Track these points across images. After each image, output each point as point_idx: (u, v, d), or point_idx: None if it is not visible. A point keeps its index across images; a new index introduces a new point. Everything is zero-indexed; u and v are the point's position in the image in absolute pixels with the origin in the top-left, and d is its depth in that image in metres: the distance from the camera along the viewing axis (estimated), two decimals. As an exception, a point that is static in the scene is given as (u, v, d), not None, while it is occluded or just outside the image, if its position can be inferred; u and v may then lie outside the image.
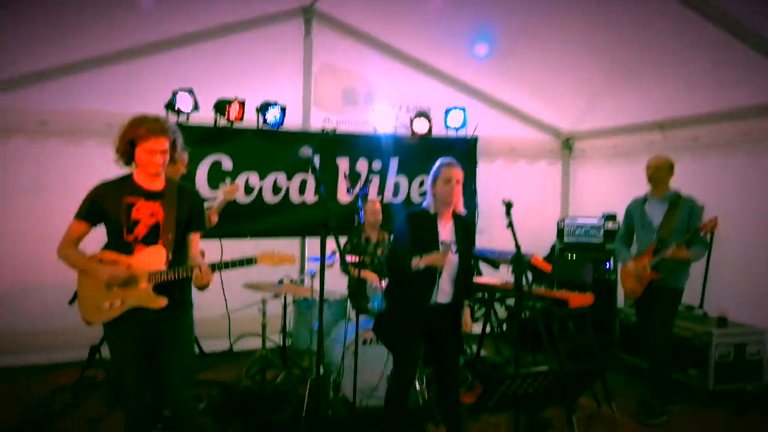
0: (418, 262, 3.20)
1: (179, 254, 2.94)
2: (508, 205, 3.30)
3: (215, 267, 2.94)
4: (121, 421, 3.91)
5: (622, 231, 4.69)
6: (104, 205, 2.85)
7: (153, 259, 2.86)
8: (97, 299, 2.84)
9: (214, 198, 4.93)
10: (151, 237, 2.87)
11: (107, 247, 2.90)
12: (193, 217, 3.00)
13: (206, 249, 3.80)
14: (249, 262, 2.98)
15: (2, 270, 5.05)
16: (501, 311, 5.64)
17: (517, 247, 3.19)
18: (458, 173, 3.41)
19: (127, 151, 2.85)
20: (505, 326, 6.01)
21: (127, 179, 2.92)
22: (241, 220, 5.30)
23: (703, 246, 4.29)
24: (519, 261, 3.12)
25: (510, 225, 3.22)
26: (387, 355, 3.90)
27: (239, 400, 4.32)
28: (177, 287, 2.92)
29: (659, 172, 4.37)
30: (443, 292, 3.31)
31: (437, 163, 3.48)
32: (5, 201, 5.07)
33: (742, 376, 4.62)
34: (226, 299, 5.15)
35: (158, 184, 2.93)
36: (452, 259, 3.32)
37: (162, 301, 2.86)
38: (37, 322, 5.08)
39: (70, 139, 5.26)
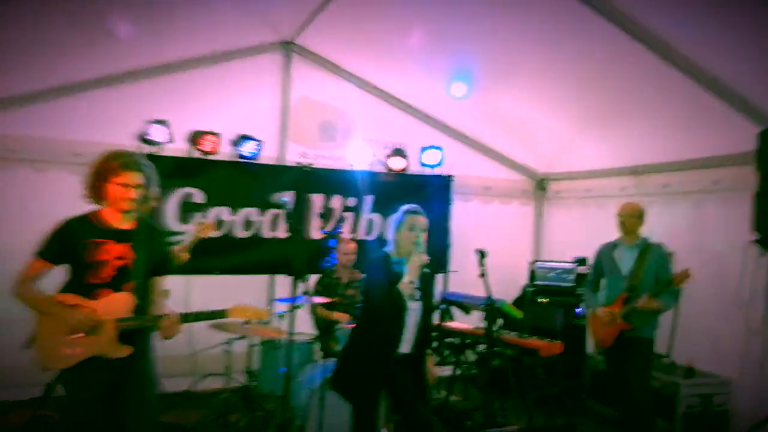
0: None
1: (145, 300, 2.85)
2: (482, 254, 3.27)
3: (185, 318, 2.84)
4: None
5: (591, 277, 4.68)
6: (69, 244, 2.73)
7: (118, 305, 2.75)
8: (57, 346, 2.72)
9: (183, 233, 4.87)
10: (118, 280, 2.76)
11: (67, 289, 2.78)
12: (163, 260, 2.93)
13: (172, 286, 3.70)
14: (220, 314, 2.90)
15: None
16: (471, 355, 5.59)
17: (489, 297, 3.16)
18: (423, 221, 3.35)
19: (97, 186, 2.76)
20: (473, 370, 5.96)
21: (95, 216, 2.81)
22: (210, 254, 5.15)
23: (674, 296, 4.29)
24: (491, 312, 3.09)
25: (482, 275, 3.18)
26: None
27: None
28: (141, 334, 2.83)
29: (630, 219, 4.39)
30: (405, 341, 3.25)
31: (401, 210, 3.43)
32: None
33: (709, 427, 4.62)
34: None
35: (128, 223, 2.84)
36: (415, 307, 3.28)
37: (126, 350, 2.76)
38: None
39: (35, 167, 5.12)
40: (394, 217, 3.44)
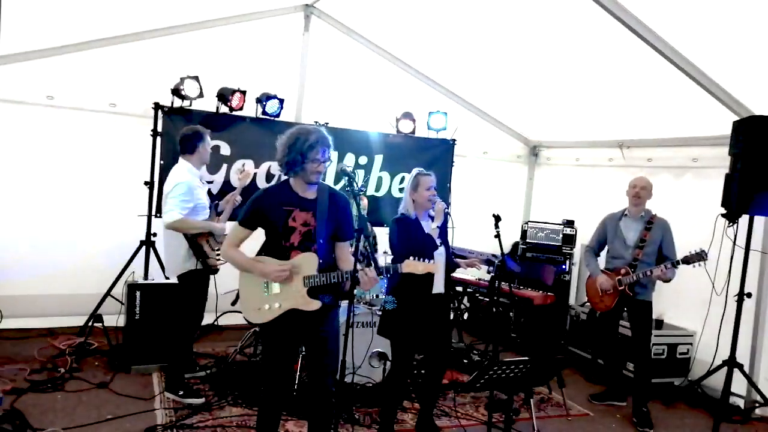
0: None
1: (328, 260, 3.16)
2: (497, 218, 3.80)
3: (380, 272, 3.17)
4: (125, 383, 4.38)
5: (594, 242, 5.04)
6: (264, 213, 3.09)
7: (306, 264, 3.07)
8: (256, 301, 3.11)
9: (212, 182, 5.38)
10: (304, 244, 3.09)
11: (264, 251, 3.16)
12: (340, 225, 3.19)
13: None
14: (395, 269, 3.25)
15: (4, 234, 5.29)
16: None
17: (503, 255, 3.71)
18: (434, 180, 3.94)
19: (293, 160, 3.05)
20: (466, 316, 6.62)
21: (285, 187, 3.16)
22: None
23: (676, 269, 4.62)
24: (502, 268, 3.64)
25: (497, 236, 3.73)
26: (371, 337, 4.42)
27: (233, 372, 4.73)
28: (328, 291, 3.15)
29: (643, 192, 4.74)
30: (437, 283, 3.82)
31: (415, 173, 3.96)
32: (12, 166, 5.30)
33: (672, 371, 5.34)
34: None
35: (311, 193, 3.15)
36: (441, 252, 3.84)
37: (315, 304, 3.08)
38: (38, 285, 5.37)
39: (73, 113, 5.48)
40: (409, 180, 3.97)
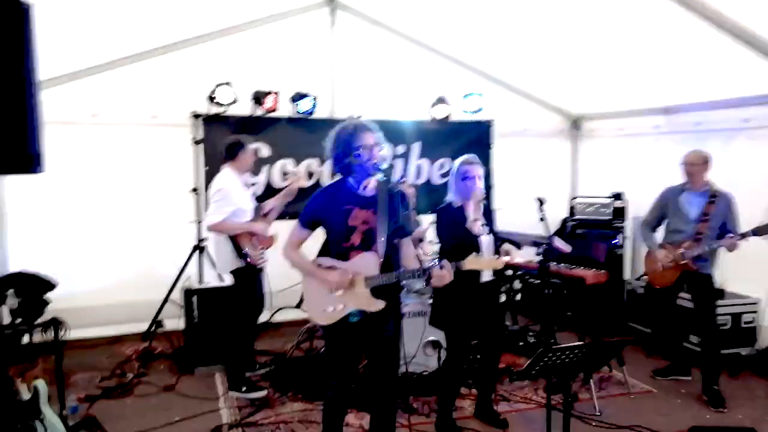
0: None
1: (390, 259, 3.09)
2: (541, 201, 3.74)
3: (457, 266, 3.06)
4: (189, 387, 4.50)
5: (652, 216, 4.88)
6: (323, 213, 3.06)
7: (367, 264, 3.02)
8: (321, 303, 3.09)
9: (254, 184, 5.50)
10: (365, 243, 3.03)
11: (324, 251, 3.16)
12: (401, 221, 3.09)
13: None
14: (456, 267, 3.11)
15: (65, 249, 5.51)
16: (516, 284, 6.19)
17: (549, 238, 3.65)
18: (479, 169, 3.82)
19: (341, 157, 3.02)
20: (519, 297, 6.56)
21: (343, 185, 3.10)
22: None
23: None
24: (549, 252, 3.59)
25: (542, 219, 3.67)
26: (424, 326, 4.44)
27: (292, 368, 4.81)
28: (391, 290, 3.10)
29: (694, 168, 4.58)
30: (486, 271, 3.79)
31: (458, 161, 3.89)
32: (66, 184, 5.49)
33: (738, 341, 5.17)
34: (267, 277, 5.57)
35: (370, 190, 3.08)
36: (487, 240, 3.80)
37: (380, 304, 3.03)
38: (99, 296, 5.61)
39: (118, 129, 5.65)
40: (453, 169, 3.91)
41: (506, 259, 3.18)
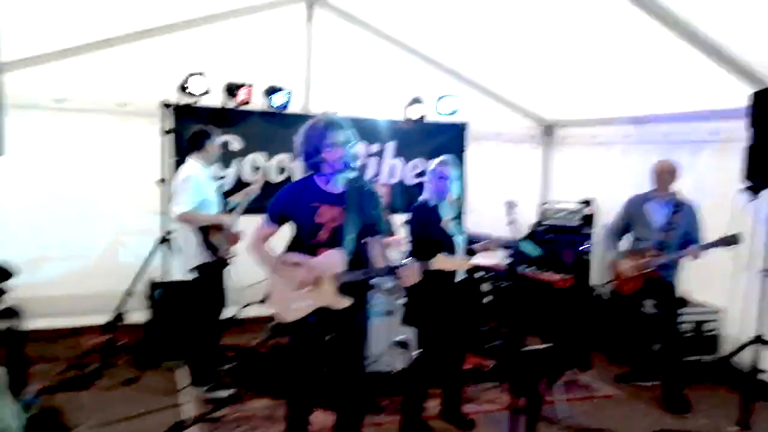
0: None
1: (359, 256, 3.06)
2: (510, 205, 3.74)
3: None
4: (151, 381, 4.41)
5: (617, 225, 4.95)
6: (290, 210, 3.04)
7: (334, 261, 2.99)
8: (288, 300, 3.06)
9: (223, 177, 5.42)
10: (332, 240, 2.99)
11: (291, 247, 3.10)
12: (370, 219, 3.08)
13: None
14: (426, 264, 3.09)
15: (25, 238, 5.34)
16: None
17: (518, 239, 3.66)
18: (454, 171, 3.87)
19: (309, 154, 2.99)
20: (487, 300, 6.57)
21: (311, 182, 3.07)
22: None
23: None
24: (518, 255, 3.60)
25: (511, 222, 3.67)
26: (391, 326, 4.41)
27: (257, 364, 4.73)
28: (358, 288, 3.09)
29: (664, 176, 4.65)
30: (459, 271, 3.79)
31: (435, 162, 3.91)
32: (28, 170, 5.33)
33: (700, 349, 5.25)
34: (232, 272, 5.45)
35: (338, 187, 3.06)
36: (460, 240, 3.80)
37: (346, 301, 3.03)
38: (61, 286, 5.47)
39: (84, 116, 5.49)
40: (429, 169, 3.92)
41: (473, 260, 3.17)
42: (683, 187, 4.89)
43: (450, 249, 3.54)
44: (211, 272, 4.36)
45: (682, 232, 4.58)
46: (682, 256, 4.51)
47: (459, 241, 3.79)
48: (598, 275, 6.56)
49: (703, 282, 5.37)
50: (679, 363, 4.63)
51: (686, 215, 4.60)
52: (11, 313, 3.44)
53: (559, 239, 6.35)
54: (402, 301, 4.36)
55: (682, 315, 5.08)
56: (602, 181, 6.63)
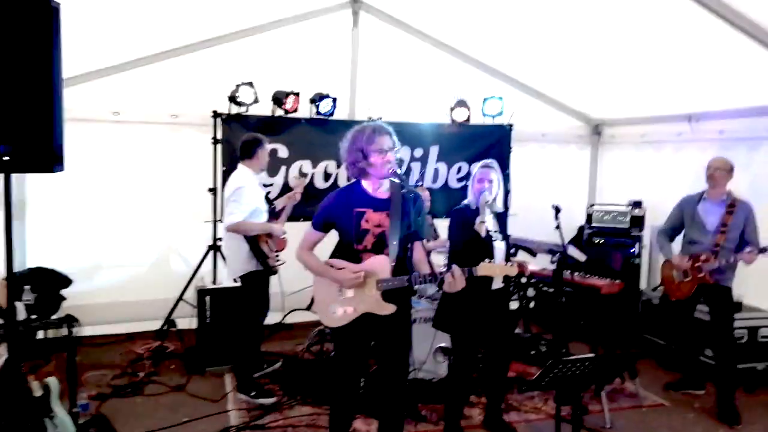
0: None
1: (403, 262, 3.09)
2: (557, 209, 3.70)
3: (470, 272, 3.07)
4: (199, 385, 4.59)
5: (669, 225, 4.79)
6: (336, 216, 3.08)
7: (379, 267, 3.03)
8: (332, 306, 3.10)
9: (271, 185, 5.53)
10: (378, 246, 3.04)
11: (336, 253, 3.15)
12: (414, 224, 3.12)
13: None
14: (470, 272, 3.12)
15: (81, 247, 5.58)
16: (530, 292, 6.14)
17: (564, 247, 3.62)
18: (494, 174, 3.80)
19: (356, 160, 3.04)
20: (533, 304, 6.50)
21: (357, 188, 3.12)
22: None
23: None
24: (564, 261, 3.55)
25: (557, 227, 3.63)
26: (435, 332, 4.42)
27: (302, 371, 4.83)
28: (402, 293, 3.10)
29: (718, 173, 4.45)
30: (496, 279, 3.76)
31: (477, 165, 3.89)
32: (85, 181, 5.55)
33: (755, 356, 5.06)
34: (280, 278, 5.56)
35: (384, 192, 3.11)
36: (499, 246, 3.76)
37: (390, 308, 3.04)
38: (115, 293, 5.68)
39: (140, 127, 5.71)
40: (473, 173, 3.90)
41: (517, 266, 3.14)
42: (739, 187, 4.72)
43: (488, 254, 3.52)
44: (258, 280, 4.46)
45: (736, 234, 4.41)
46: (736, 260, 4.35)
47: (498, 246, 3.76)
48: (648, 280, 6.42)
49: (759, 286, 5.18)
50: (733, 370, 4.48)
51: (740, 216, 4.41)
52: (69, 320, 3.62)
53: (608, 242, 6.23)
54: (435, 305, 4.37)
55: (736, 321, 4.91)
56: (653, 182, 6.46)
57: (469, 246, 3.63)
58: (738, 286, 5.05)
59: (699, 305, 4.75)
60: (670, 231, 4.80)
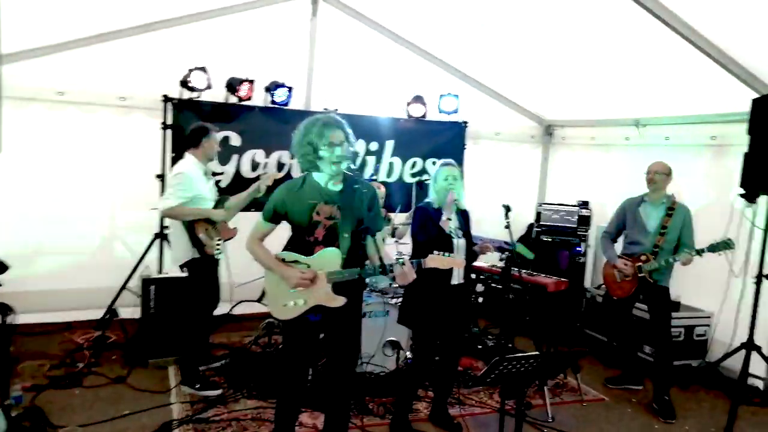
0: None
1: (355, 255, 3.07)
2: (507, 208, 3.75)
3: (418, 264, 3.08)
4: (142, 377, 4.45)
5: (612, 228, 4.94)
6: (287, 208, 3.04)
7: (330, 259, 3.01)
8: (282, 298, 3.07)
9: (222, 173, 5.38)
10: (329, 238, 3.02)
11: (289, 245, 3.12)
12: (367, 218, 3.09)
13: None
14: (419, 263, 3.13)
15: (20, 231, 5.35)
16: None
17: (512, 243, 3.67)
18: (454, 171, 3.87)
19: (307, 153, 3.01)
20: (480, 300, 6.58)
21: (309, 180, 3.08)
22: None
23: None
24: (512, 259, 3.60)
25: (507, 226, 3.68)
26: (384, 326, 4.44)
27: (249, 364, 4.76)
28: (353, 286, 3.09)
29: (658, 176, 4.61)
30: (457, 274, 3.80)
31: (439, 163, 3.95)
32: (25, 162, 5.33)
33: (690, 353, 5.28)
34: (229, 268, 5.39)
35: (337, 185, 3.07)
36: (461, 243, 3.81)
37: (340, 300, 3.03)
38: (54, 281, 5.47)
39: (83, 110, 5.50)
40: (435, 171, 3.95)
41: (457, 260, 3.17)
42: (681, 191, 4.89)
43: (449, 250, 3.54)
44: (201, 269, 4.35)
45: (674, 235, 4.59)
46: (674, 261, 4.52)
47: (460, 243, 3.81)
48: (592, 278, 6.60)
49: (695, 286, 5.40)
50: (669, 367, 4.65)
51: (678, 218, 4.60)
52: (5, 308, 3.46)
53: (555, 241, 6.37)
54: (398, 300, 4.39)
55: (673, 319, 5.09)
56: (600, 184, 6.64)
57: (431, 242, 3.65)
58: (676, 286, 5.29)
59: (638, 304, 4.91)
60: (614, 233, 4.95)
